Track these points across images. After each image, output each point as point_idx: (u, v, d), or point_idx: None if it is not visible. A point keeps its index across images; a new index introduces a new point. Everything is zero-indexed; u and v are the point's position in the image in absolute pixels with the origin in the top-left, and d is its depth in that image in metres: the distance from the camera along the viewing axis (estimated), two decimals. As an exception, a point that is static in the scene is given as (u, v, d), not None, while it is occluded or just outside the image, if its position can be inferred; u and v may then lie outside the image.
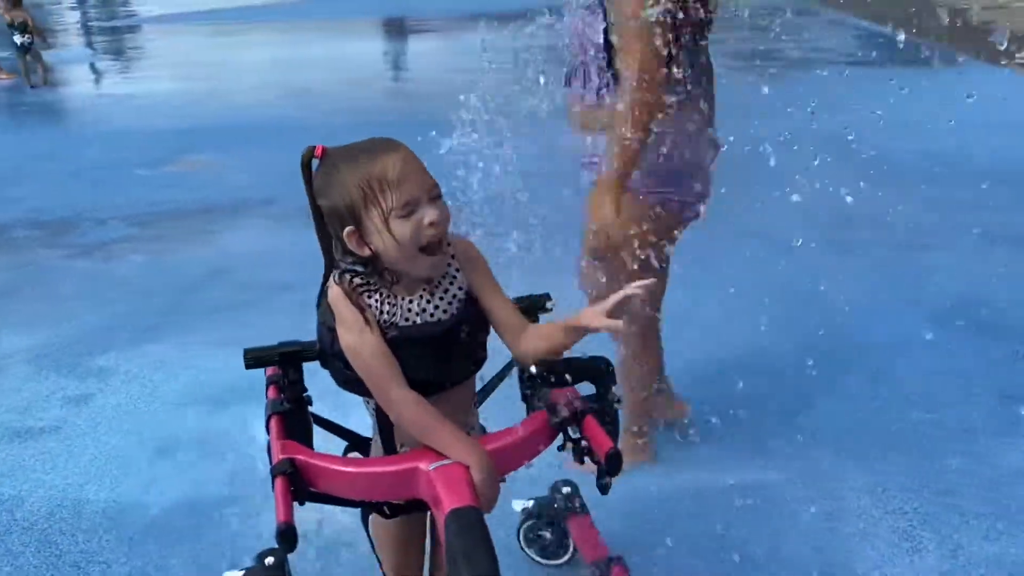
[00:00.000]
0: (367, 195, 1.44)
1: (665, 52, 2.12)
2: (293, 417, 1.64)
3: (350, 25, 13.20)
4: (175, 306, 3.99)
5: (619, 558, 1.99)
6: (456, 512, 1.35)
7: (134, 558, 2.41)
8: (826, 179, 4.86)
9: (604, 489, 1.57)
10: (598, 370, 1.60)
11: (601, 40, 2.22)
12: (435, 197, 1.48)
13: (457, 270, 1.57)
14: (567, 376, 1.61)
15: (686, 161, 2.29)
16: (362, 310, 1.49)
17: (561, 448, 1.61)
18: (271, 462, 1.54)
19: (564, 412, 1.57)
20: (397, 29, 13.42)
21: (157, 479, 2.74)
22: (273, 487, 1.47)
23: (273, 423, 1.62)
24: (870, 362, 3.17)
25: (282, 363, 1.68)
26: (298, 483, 1.49)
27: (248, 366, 1.69)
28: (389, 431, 1.59)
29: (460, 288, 1.56)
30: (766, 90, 7.71)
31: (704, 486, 2.53)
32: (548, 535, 2.24)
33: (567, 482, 2.20)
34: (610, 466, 1.49)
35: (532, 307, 1.74)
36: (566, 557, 2.25)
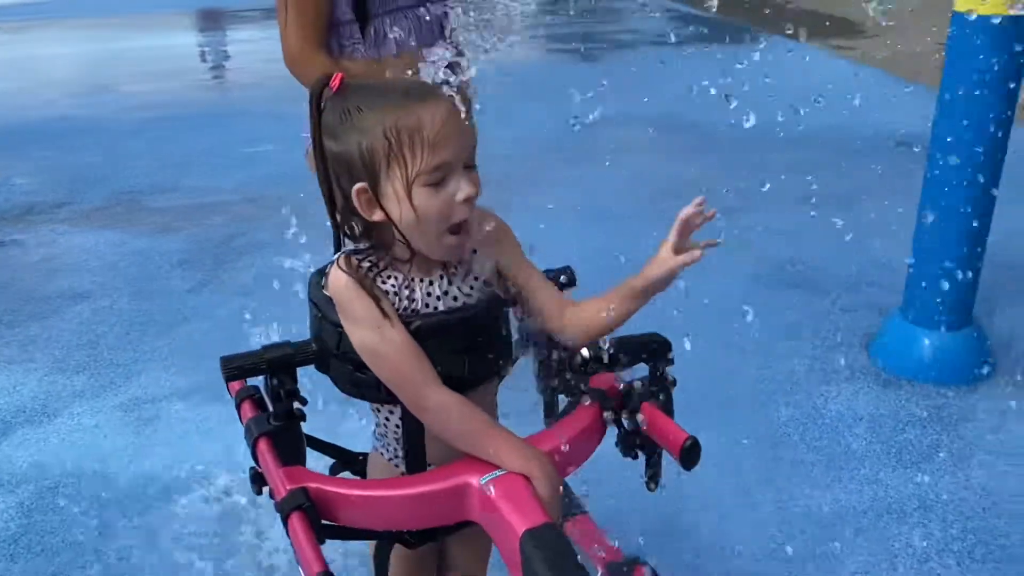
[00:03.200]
0: (392, 149, 1.15)
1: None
2: (284, 437, 1.33)
3: (162, 19, 12.39)
4: (-52, 325, 3.51)
5: (637, 559, 1.77)
6: (533, 534, 1.11)
7: None
8: (647, 152, 4.94)
9: (654, 485, 1.39)
10: (655, 347, 1.39)
11: None
12: (470, 165, 1.21)
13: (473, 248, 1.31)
14: (622, 356, 1.38)
15: None
16: (377, 300, 1.20)
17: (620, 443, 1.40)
18: (273, 496, 1.23)
19: (616, 401, 1.36)
20: (213, 20, 12.75)
21: (-76, 523, 2.36)
22: (286, 528, 1.17)
23: (262, 447, 1.30)
24: (698, 322, 3.17)
25: (272, 371, 1.33)
26: (315, 518, 1.19)
27: (230, 378, 1.34)
28: (419, 445, 1.31)
29: (485, 263, 1.31)
30: (585, 71, 7.82)
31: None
32: None
33: None
34: (687, 458, 1.29)
35: (558, 283, 1.50)
36: None
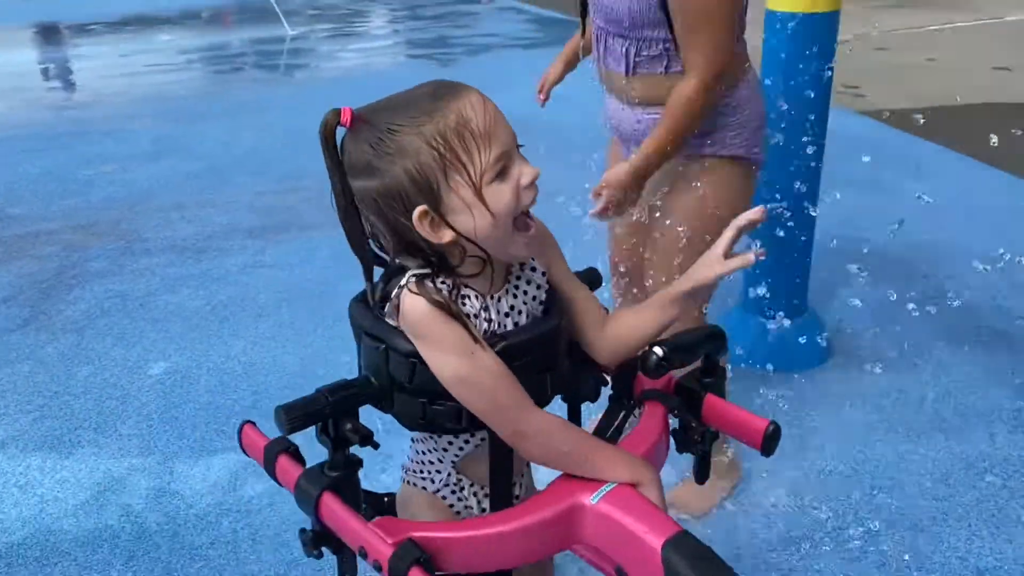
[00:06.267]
0: (445, 158, 1.06)
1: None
2: (344, 488, 1.16)
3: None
4: None
5: None
6: (675, 544, 1.03)
7: None
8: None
9: (705, 477, 1.34)
10: (717, 338, 1.31)
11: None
12: (518, 145, 1.14)
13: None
14: (691, 352, 1.29)
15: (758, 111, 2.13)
16: (465, 324, 1.10)
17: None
18: (366, 556, 1.09)
19: (680, 398, 1.30)
20: (52, 34, 12.04)
21: None
22: None
23: (330, 503, 1.13)
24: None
25: (336, 414, 1.18)
26: (432, 570, 1.07)
27: (295, 428, 1.15)
28: (506, 476, 1.23)
29: (540, 272, 1.23)
30: (444, 75, 7.77)
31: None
32: None
33: None
34: (768, 445, 1.24)
35: (587, 285, 1.42)
36: None
